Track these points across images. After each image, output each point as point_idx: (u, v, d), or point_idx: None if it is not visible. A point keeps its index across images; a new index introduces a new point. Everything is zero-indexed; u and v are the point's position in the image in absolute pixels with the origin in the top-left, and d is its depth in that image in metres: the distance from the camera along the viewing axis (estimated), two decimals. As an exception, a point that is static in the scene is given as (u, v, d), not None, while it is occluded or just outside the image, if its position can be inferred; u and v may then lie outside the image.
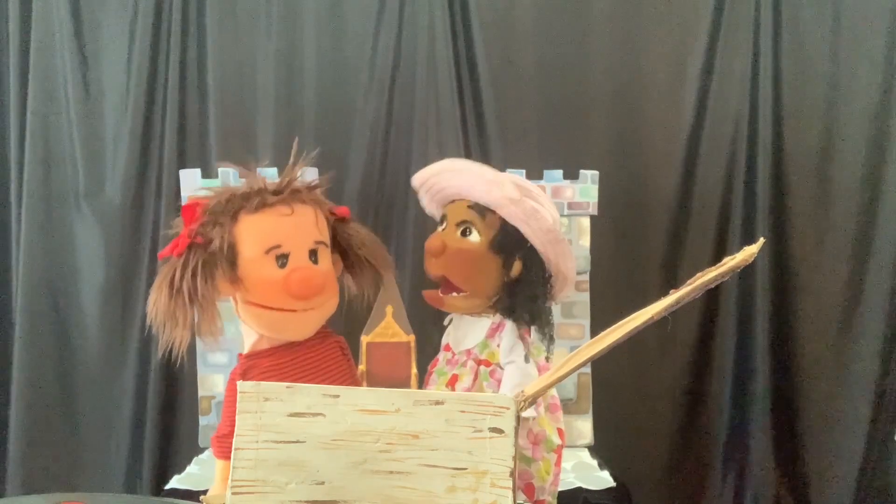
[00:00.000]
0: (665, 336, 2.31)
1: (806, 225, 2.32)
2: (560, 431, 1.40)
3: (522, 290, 1.35)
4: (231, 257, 1.23)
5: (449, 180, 1.39)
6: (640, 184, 2.32)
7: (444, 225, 1.41)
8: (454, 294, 1.39)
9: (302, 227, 1.28)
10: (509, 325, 1.36)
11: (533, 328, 1.36)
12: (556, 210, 1.41)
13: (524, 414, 1.29)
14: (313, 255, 1.28)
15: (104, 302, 2.32)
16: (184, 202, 2.03)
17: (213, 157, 2.27)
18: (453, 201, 1.40)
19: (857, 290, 2.31)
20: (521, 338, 1.36)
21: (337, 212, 1.37)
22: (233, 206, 1.25)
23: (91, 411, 2.36)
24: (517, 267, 1.35)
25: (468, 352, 1.40)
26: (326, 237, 1.32)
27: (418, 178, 1.45)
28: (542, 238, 1.32)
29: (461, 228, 1.36)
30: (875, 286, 2.29)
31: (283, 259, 1.25)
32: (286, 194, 1.28)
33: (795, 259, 2.32)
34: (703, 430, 2.39)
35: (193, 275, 1.18)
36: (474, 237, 1.35)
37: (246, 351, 1.32)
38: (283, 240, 1.25)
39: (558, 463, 1.40)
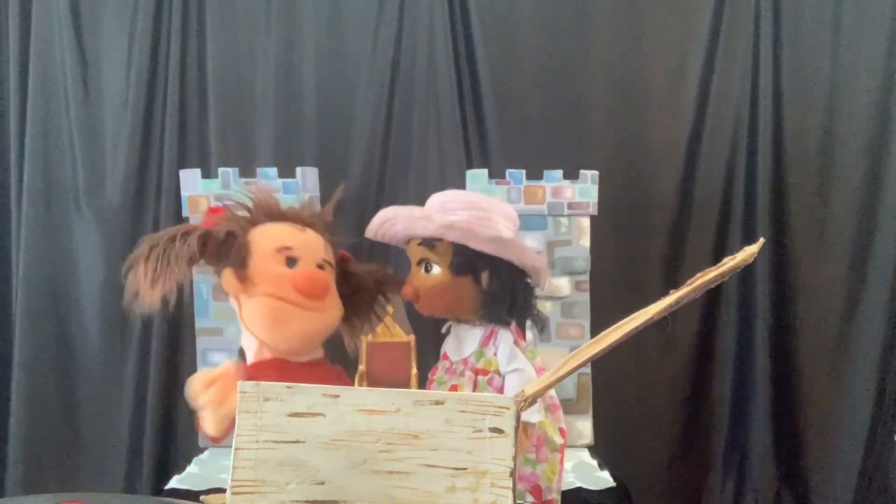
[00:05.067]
0: (665, 336, 2.31)
1: (806, 225, 2.32)
2: (562, 431, 1.40)
3: (501, 295, 1.37)
4: (242, 257, 1.29)
5: (391, 229, 1.42)
6: (640, 184, 2.33)
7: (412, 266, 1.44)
8: None
9: (313, 243, 1.35)
10: (503, 334, 1.38)
11: (528, 332, 1.37)
12: (509, 210, 1.43)
13: (531, 419, 1.30)
14: (320, 269, 1.34)
15: (104, 302, 2.31)
16: (184, 202, 2.05)
17: (213, 157, 2.27)
18: (408, 242, 1.43)
19: (857, 289, 2.31)
20: (516, 343, 1.38)
21: (343, 253, 1.44)
22: (252, 216, 1.34)
23: (91, 411, 2.36)
24: (485, 277, 1.37)
25: (465, 361, 1.41)
26: (333, 262, 1.38)
27: (369, 234, 1.47)
28: (492, 248, 1.34)
29: (423, 266, 1.39)
30: (875, 286, 2.30)
31: (292, 262, 1.30)
32: (304, 219, 1.37)
33: (795, 259, 2.32)
34: (703, 430, 2.39)
35: (172, 239, 1.23)
36: (436, 270, 1.38)
37: (249, 361, 1.34)
38: (294, 245, 1.32)
39: (561, 461, 1.41)
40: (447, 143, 2.29)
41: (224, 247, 1.28)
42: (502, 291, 1.36)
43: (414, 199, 2.21)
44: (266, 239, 1.31)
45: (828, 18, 2.28)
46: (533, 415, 1.33)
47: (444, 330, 1.50)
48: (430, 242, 1.37)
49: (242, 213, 1.35)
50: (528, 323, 1.53)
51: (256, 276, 1.28)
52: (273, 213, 1.35)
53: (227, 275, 1.29)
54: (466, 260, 1.35)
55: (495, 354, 1.37)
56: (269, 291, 1.28)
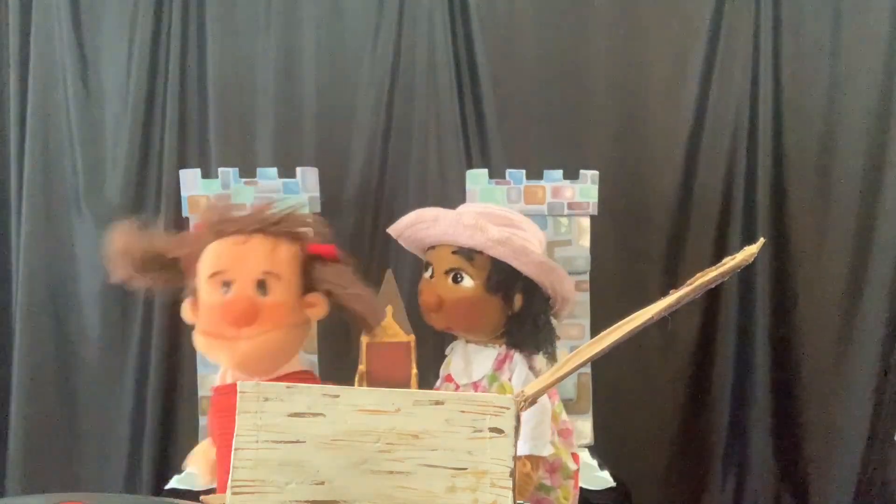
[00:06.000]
0: (665, 336, 2.31)
1: (806, 225, 2.31)
2: (575, 456, 1.37)
3: (527, 320, 1.32)
4: (193, 288, 1.29)
5: (425, 231, 1.33)
6: (640, 184, 2.32)
7: (430, 272, 1.36)
8: None
9: (252, 256, 1.27)
10: (519, 358, 1.33)
11: (540, 353, 1.34)
12: (540, 231, 1.38)
13: (542, 452, 1.27)
14: (261, 285, 1.26)
15: (104, 303, 2.31)
16: (184, 202, 2.05)
17: (213, 157, 2.27)
18: (433, 247, 1.35)
19: (858, 290, 2.31)
20: (531, 368, 1.33)
21: (312, 249, 1.32)
22: (204, 236, 1.31)
23: (91, 411, 2.36)
24: (518, 300, 1.32)
25: (475, 385, 1.35)
26: (283, 270, 1.28)
27: (394, 231, 1.39)
28: (535, 270, 1.29)
29: (451, 275, 1.31)
30: (875, 286, 2.29)
31: (226, 287, 1.26)
32: (252, 225, 1.29)
33: (795, 259, 2.32)
34: (703, 430, 2.38)
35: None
36: (467, 282, 1.30)
37: (217, 384, 1.35)
38: (227, 266, 1.26)
39: (576, 486, 1.38)
40: (447, 143, 2.28)
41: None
42: (532, 315, 1.31)
43: (413, 199, 2.22)
44: (203, 264, 1.27)
45: (828, 19, 2.28)
46: (545, 447, 1.28)
47: (447, 351, 1.44)
48: (468, 253, 1.29)
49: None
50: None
51: (200, 306, 1.28)
52: (218, 230, 1.29)
53: (185, 306, 1.29)
54: (505, 278, 1.29)
55: (510, 379, 1.32)
56: (201, 327, 1.27)
